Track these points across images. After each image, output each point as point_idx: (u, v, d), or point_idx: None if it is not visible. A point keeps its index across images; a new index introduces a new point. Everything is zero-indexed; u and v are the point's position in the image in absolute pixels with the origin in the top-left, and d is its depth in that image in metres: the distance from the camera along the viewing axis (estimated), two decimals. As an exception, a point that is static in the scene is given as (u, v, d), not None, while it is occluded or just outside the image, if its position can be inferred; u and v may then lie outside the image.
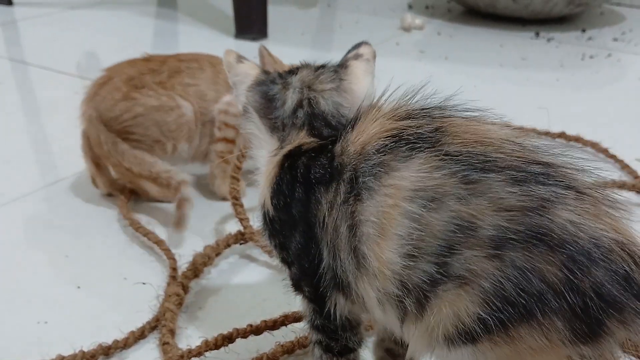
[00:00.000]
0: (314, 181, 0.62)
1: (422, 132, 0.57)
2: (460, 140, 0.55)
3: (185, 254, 1.00)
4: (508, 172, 0.53)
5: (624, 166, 1.30)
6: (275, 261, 0.96)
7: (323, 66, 0.73)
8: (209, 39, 2.14)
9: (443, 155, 0.54)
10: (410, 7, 2.56)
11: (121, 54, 1.26)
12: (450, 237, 0.52)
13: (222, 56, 0.77)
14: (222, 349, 0.81)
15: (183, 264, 0.98)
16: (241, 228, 1.03)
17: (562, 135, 1.41)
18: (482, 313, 0.51)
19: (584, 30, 2.26)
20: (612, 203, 0.54)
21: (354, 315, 0.68)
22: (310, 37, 2.23)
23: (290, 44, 2.14)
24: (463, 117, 0.59)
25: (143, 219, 1.11)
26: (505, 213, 0.51)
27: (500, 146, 0.55)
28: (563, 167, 0.55)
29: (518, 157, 0.54)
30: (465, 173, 0.53)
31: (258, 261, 1.02)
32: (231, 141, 1.14)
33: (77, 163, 1.22)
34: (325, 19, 2.42)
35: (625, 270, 0.51)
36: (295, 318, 0.85)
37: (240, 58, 0.75)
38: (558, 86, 1.76)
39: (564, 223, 0.51)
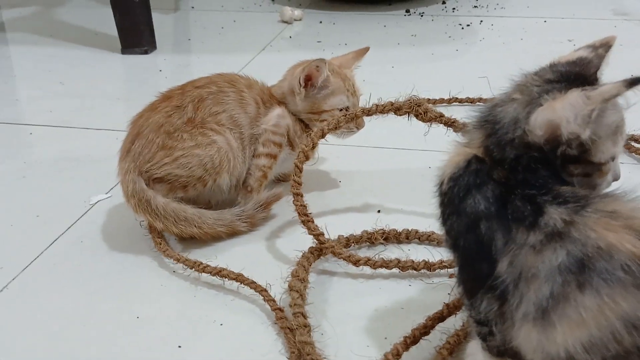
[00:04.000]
0: (508, 217, 0.64)
1: None
2: None
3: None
4: None
5: (574, 118, 1.44)
6: (355, 270, 0.98)
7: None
8: (94, 59, 1.98)
9: None
10: (273, -1, 2.56)
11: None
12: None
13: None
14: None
15: (275, 294, 0.93)
16: (312, 245, 0.99)
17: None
18: None
19: (444, 2, 2.44)
20: None
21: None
22: (197, 41, 2.14)
23: (181, 52, 2.05)
24: None
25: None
26: None
27: None
28: None
29: None
30: None
31: (338, 273, 1.00)
32: (274, 156, 1.11)
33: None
34: (200, 22, 2.34)
35: None
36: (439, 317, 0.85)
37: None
38: (462, 56, 1.90)
39: None
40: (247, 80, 1.15)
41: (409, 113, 1.02)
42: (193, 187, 1.06)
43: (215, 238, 1.07)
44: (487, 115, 0.70)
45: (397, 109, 1.02)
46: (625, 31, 2.05)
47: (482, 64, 1.79)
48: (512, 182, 0.66)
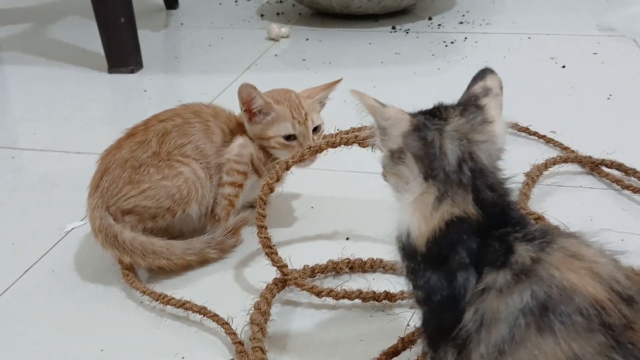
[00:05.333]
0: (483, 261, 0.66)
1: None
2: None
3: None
4: None
5: (548, 140, 1.46)
6: (319, 300, 0.99)
7: (465, 109, 0.72)
8: (80, 78, 2.00)
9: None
10: (262, 16, 2.58)
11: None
12: None
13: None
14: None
15: (237, 326, 0.95)
16: (277, 275, 1.01)
17: (482, 121, 1.54)
18: None
19: (430, 19, 2.45)
20: None
21: None
22: (184, 60, 2.17)
23: (168, 71, 2.07)
24: None
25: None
26: None
27: None
28: None
29: None
30: None
31: (302, 304, 1.01)
32: (239, 185, 1.14)
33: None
34: (188, 39, 2.36)
35: None
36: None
37: (378, 101, 0.72)
38: (443, 74, 1.91)
39: None
40: (212, 109, 1.18)
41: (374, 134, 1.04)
42: (162, 218, 1.09)
43: (185, 268, 1.09)
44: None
45: (360, 141, 1.04)
46: (609, 48, 2.06)
47: (462, 83, 1.80)
48: (491, 223, 0.68)
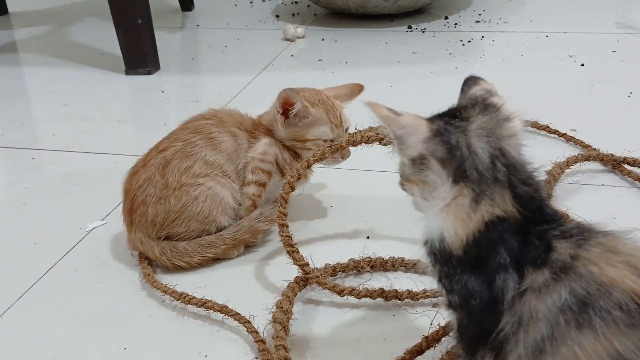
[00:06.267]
0: (524, 260, 0.65)
1: None
2: None
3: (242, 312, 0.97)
4: None
5: (569, 139, 1.45)
6: (341, 299, 0.99)
7: (485, 107, 0.71)
8: (98, 79, 2.01)
9: None
10: (277, 16, 2.58)
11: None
12: None
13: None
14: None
15: (259, 325, 0.94)
16: (299, 274, 1.01)
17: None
18: None
19: (446, 18, 2.45)
20: None
21: None
22: (201, 60, 2.17)
23: (185, 72, 2.08)
24: None
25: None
26: None
27: None
28: None
29: None
30: None
31: (323, 303, 1.01)
32: (263, 184, 1.13)
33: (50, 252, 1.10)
34: (204, 40, 2.37)
35: None
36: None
37: (392, 110, 0.71)
38: (461, 73, 1.90)
39: None
40: (216, 119, 1.16)
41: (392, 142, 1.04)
42: (200, 236, 1.11)
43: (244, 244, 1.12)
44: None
45: (381, 139, 1.04)
46: (629, 45, 2.05)
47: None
48: (528, 220, 0.67)
